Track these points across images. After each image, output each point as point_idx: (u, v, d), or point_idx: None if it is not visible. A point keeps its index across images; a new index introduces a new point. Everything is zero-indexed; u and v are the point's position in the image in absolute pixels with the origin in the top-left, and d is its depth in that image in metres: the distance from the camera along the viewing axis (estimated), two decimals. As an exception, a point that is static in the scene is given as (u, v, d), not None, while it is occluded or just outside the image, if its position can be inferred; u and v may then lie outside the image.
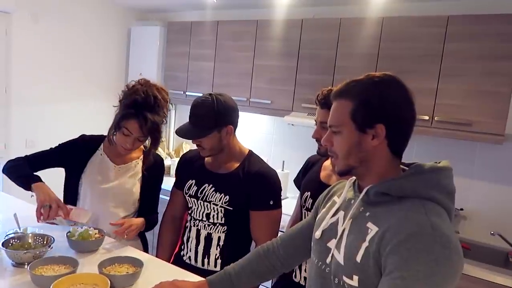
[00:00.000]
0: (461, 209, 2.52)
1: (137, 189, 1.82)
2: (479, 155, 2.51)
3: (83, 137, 1.87)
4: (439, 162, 0.99)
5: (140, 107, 1.64)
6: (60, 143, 1.84)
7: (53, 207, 1.55)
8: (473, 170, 2.53)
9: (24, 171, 1.70)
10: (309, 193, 1.64)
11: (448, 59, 2.28)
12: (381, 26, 2.48)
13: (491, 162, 2.47)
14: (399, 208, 0.93)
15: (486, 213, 2.49)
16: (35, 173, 1.70)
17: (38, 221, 1.57)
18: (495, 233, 2.38)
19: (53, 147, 1.83)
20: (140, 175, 1.83)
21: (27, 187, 1.64)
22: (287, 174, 2.98)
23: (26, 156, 1.78)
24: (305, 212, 1.66)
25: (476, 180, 2.52)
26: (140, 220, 1.76)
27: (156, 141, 1.75)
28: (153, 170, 1.85)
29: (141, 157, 1.86)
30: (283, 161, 3.08)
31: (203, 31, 3.32)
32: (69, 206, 1.62)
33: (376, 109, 0.96)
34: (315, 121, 1.61)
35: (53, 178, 1.76)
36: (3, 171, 1.76)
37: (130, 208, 1.81)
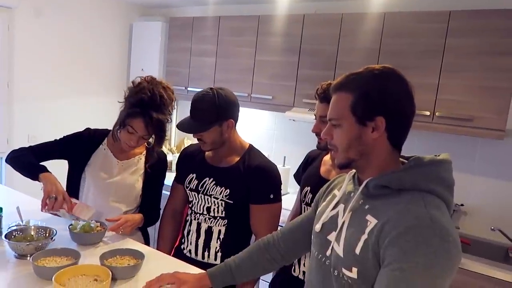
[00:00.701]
0: (462, 205, 2.52)
1: (139, 184, 1.82)
2: (480, 151, 2.51)
3: (88, 130, 1.87)
4: (439, 155, 1.00)
5: (146, 106, 1.63)
6: (65, 135, 1.84)
7: (58, 199, 1.56)
8: (474, 165, 2.53)
9: (30, 161, 1.71)
10: (309, 188, 1.65)
11: (450, 54, 2.28)
12: (382, 21, 2.48)
13: (492, 158, 2.47)
14: (399, 201, 0.93)
15: (487, 209, 2.50)
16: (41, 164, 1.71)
17: (41, 210, 1.59)
18: (496, 229, 2.38)
19: (58, 138, 1.84)
20: (142, 171, 1.83)
21: (34, 177, 1.64)
22: (288, 169, 2.99)
23: (30, 146, 1.79)
24: (304, 207, 1.66)
25: (476, 176, 2.52)
26: (137, 216, 1.77)
27: (160, 140, 1.76)
28: (156, 167, 1.85)
29: (144, 152, 1.86)
30: (284, 157, 3.09)
31: (205, 26, 3.32)
32: (73, 200, 1.63)
33: (376, 101, 0.96)
34: (315, 115, 1.61)
35: (56, 171, 1.76)
36: (7, 160, 1.76)
37: (132, 203, 1.82)
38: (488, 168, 2.49)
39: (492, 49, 2.16)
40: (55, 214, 1.64)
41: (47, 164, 1.73)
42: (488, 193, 2.49)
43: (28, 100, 3.27)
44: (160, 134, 1.72)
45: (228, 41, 3.19)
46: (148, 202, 1.85)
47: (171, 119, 1.75)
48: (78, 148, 1.81)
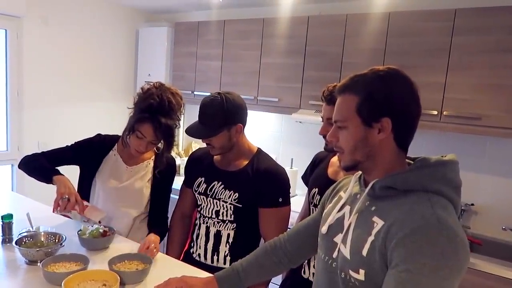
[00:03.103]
0: (472, 204, 2.50)
1: (147, 190, 1.83)
2: (489, 150, 2.48)
3: (99, 136, 1.90)
4: (445, 156, 0.99)
5: (155, 111, 1.65)
6: (77, 141, 1.87)
7: (71, 201, 1.58)
8: (484, 164, 2.50)
9: (43, 165, 1.74)
10: (316, 189, 1.64)
11: (456, 52, 2.26)
12: (387, 21, 2.47)
13: (502, 156, 2.45)
14: (405, 202, 0.93)
15: (498, 208, 2.46)
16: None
17: (53, 211, 1.61)
18: (507, 228, 2.36)
19: (69, 144, 1.87)
20: (150, 175, 1.84)
21: (48, 180, 1.67)
22: (296, 171, 2.98)
23: (42, 152, 1.82)
24: (312, 209, 1.66)
25: (486, 175, 2.49)
26: (156, 237, 1.70)
27: (169, 145, 1.77)
28: (165, 172, 1.86)
29: (153, 157, 1.88)
30: (292, 159, 3.08)
31: (210, 30, 3.34)
32: (85, 203, 1.65)
33: (382, 102, 0.95)
34: (322, 117, 1.61)
35: (68, 176, 1.78)
36: (20, 166, 1.79)
37: (141, 209, 1.83)
38: (498, 167, 2.46)
39: (499, 47, 2.14)
40: (66, 216, 1.66)
41: (60, 169, 1.75)
42: (499, 192, 2.46)
43: (37, 107, 3.31)
44: (169, 140, 1.74)
45: (234, 44, 3.20)
46: (156, 209, 1.85)
47: (179, 124, 1.76)
48: (89, 154, 1.83)
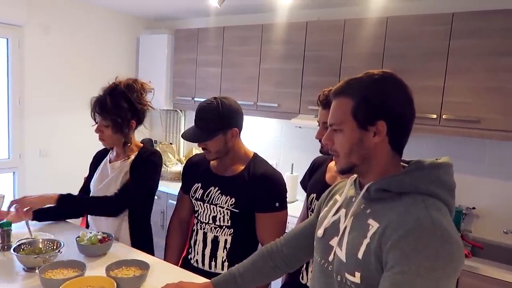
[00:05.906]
0: (473, 208, 2.48)
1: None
2: (489, 153, 2.47)
3: (95, 156, 2.02)
4: (440, 159, 0.99)
5: (103, 93, 1.79)
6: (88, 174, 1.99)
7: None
8: (484, 167, 2.49)
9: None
10: (315, 195, 1.64)
11: (454, 56, 2.26)
12: (385, 25, 2.48)
13: (502, 159, 2.44)
14: (400, 204, 0.93)
15: (499, 212, 2.45)
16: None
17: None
18: (508, 231, 2.34)
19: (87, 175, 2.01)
20: (127, 169, 1.80)
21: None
22: (296, 176, 2.98)
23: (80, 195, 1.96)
24: (311, 214, 1.65)
25: (487, 178, 2.48)
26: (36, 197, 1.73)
27: (114, 122, 1.75)
28: (139, 163, 1.80)
29: (136, 154, 1.84)
30: (292, 164, 3.08)
31: (209, 37, 3.36)
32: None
33: (377, 106, 0.96)
34: (318, 121, 1.61)
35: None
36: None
37: None
38: (498, 170, 2.45)
39: (497, 50, 2.14)
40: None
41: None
42: (500, 195, 2.45)
43: (39, 115, 3.33)
44: (110, 117, 1.74)
45: (233, 50, 3.22)
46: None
47: (134, 106, 1.79)
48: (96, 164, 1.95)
